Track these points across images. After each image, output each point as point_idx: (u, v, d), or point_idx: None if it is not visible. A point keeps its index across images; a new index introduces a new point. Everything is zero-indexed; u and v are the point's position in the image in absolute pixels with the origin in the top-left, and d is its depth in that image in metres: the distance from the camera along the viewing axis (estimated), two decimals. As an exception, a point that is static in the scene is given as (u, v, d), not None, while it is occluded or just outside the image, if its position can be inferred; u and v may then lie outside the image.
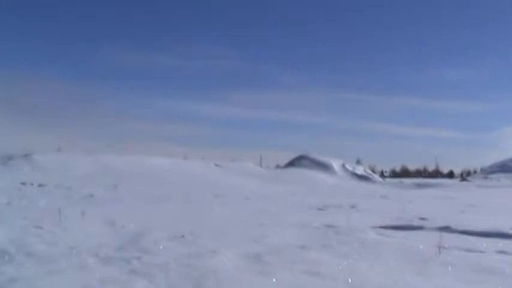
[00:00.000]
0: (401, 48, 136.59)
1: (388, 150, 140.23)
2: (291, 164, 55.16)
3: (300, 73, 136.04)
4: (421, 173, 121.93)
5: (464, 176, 76.40)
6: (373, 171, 64.70)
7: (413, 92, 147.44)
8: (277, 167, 60.70)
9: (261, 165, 57.22)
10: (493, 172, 49.63)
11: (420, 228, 10.26)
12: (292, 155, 57.14)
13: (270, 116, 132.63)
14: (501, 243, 8.28)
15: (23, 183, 22.51)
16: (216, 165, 46.77)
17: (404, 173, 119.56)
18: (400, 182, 42.60)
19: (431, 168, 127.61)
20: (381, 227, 10.43)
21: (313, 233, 9.60)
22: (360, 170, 49.56)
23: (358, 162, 71.33)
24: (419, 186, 35.27)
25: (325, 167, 48.51)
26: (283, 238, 8.67)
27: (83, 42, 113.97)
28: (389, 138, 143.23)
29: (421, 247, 7.74)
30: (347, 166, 49.10)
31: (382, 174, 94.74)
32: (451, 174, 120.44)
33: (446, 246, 7.55)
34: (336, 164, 48.63)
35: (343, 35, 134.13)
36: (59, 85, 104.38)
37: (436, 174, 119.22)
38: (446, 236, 8.45)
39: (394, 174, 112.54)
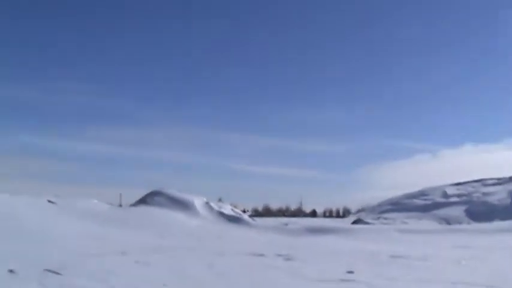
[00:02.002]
0: (264, 88, 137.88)
1: (248, 189, 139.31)
2: (142, 201, 43.77)
3: (162, 109, 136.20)
4: (284, 212, 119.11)
5: (358, 216, 70.11)
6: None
7: (274, 132, 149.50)
8: (131, 205, 49.14)
9: (120, 203, 46.69)
10: (385, 211, 43.46)
11: None
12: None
13: (129, 152, 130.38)
14: None
15: None
16: (50, 201, 35.22)
17: (267, 212, 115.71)
18: (283, 224, 33.04)
19: (293, 207, 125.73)
20: None
21: None
22: (227, 209, 40.15)
23: (221, 200, 62.61)
24: (313, 232, 26.52)
25: (184, 205, 38.18)
26: None
27: None
28: (248, 178, 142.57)
29: None
30: (212, 204, 39.38)
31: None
32: (314, 214, 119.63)
33: None
34: (197, 202, 38.61)
35: (205, 72, 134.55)
36: None
37: (299, 213, 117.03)
38: None
39: (257, 214, 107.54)
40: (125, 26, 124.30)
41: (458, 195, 46.50)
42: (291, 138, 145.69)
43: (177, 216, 34.32)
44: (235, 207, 47.05)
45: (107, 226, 27.94)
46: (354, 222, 40.43)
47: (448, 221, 36.66)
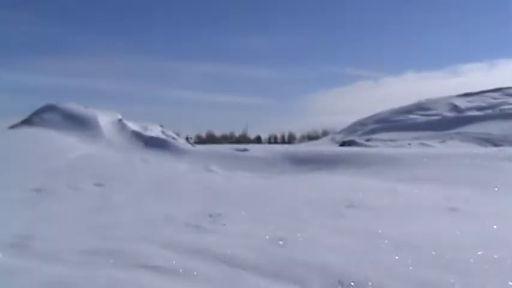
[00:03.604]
0: (207, 15, 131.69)
1: (192, 117, 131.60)
2: (28, 121, 29.61)
3: (102, 39, 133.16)
4: (228, 139, 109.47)
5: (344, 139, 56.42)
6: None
7: (219, 58, 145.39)
8: (10, 126, 34.39)
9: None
10: (374, 131, 31.66)
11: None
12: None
13: (72, 82, 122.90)
14: None
15: None
16: None
17: (211, 139, 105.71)
18: (240, 151, 18.35)
19: (238, 134, 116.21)
20: None
21: None
22: (154, 131, 26.73)
23: (162, 126, 49.40)
24: (303, 164, 13.30)
25: (83, 124, 24.52)
26: None
27: None
28: (193, 105, 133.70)
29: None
30: (127, 123, 25.82)
31: (187, 141, 75.59)
32: (258, 140, 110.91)
33: None
34: (104, 119, 24.91)
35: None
36: None
37: (244, 140, 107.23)
38: None
39: (200, 141, 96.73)
40: None
41: (478, 108, 35.61)
42: (233, 65, 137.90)
43: (64, 140, 20.79)
44: (177, 134, 33.36)
45: None
46: (343, 145, 28.88)
47: (491, 141, 25.74)
